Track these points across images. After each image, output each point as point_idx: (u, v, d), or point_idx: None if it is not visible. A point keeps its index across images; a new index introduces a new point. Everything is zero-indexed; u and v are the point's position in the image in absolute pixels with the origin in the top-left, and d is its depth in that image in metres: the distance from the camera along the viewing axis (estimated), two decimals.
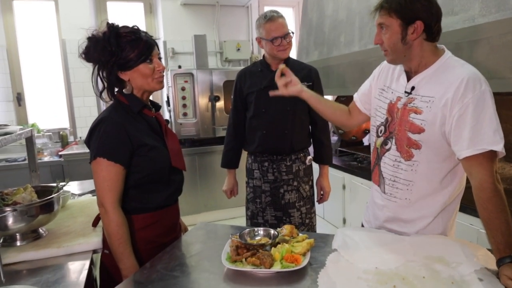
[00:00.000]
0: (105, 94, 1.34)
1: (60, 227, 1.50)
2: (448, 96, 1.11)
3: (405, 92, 1.23)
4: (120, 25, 1.29)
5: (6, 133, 1.46)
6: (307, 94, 1.44)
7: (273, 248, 1.13)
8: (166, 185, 1.37)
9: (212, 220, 3.96)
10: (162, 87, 1.37)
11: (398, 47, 1.17)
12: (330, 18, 3.04)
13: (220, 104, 4.03)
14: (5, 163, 3.39)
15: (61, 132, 3.95)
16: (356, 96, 1.50)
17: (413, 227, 1.28)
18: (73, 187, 2.34)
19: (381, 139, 1.31)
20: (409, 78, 1.25)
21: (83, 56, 1.28)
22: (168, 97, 4.00)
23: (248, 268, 1.05)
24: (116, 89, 1.34)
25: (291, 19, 5.01)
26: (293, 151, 2.04)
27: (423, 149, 1.19)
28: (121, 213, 1.25)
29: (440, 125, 1.14)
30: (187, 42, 4.34)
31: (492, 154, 1.07)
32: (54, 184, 1.53)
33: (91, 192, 2.14)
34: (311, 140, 2.17)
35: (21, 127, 1.66)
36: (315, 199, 2.20)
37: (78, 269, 1.20)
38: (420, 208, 1.25)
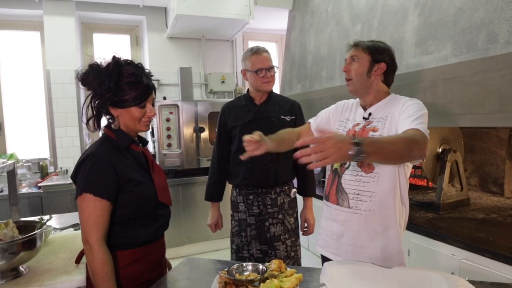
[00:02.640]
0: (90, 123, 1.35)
1: (42, 264, 1.46)
2: (395, 110, 1.37)
3: (363, 118, 1.47)
4: (126, 61, 1.31)
5: None
6: (270, 145, 1.52)
7: (261, 283, 1.13)
8: (152, 219, 1.36)
9: (196, 252, 3.87)
10: (148, 129, 1.39)
11: (363, 77, 1.44)
12: (312, 53, 3.17)
13: (204, 135, 4.06)
14: None
15: (41, 163, 3.86)
16: (312, 122, 1.71)
17: (377, 239, 1.39)
18: (53, 221, 2.27)
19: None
20: (365, 110, 1.49)
21: (80, 80, 1.28)
22: (152, 128, 4.00)
23: None
24: (105, 124, 1.36)
25: (274, 54, 5.18)
26: (277, 184, 2.06)
27: None
28: (106, 250, 1.23)
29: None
30: (173, 74, 4.41)
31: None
32: (36, 219, 1.50)
33: (73, 226, 2.09)
34: (295, 173, 2.21)
35: (3, 160, 1.63)
36: (300, 232, 2.21)
37: None
38: (383, 218, 1.38)
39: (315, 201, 2.24)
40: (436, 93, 1.87)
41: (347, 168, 1.45)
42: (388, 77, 1.48)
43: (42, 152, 4.17)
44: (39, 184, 3.49)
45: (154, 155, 1.47)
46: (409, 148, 1.17)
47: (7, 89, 4.07)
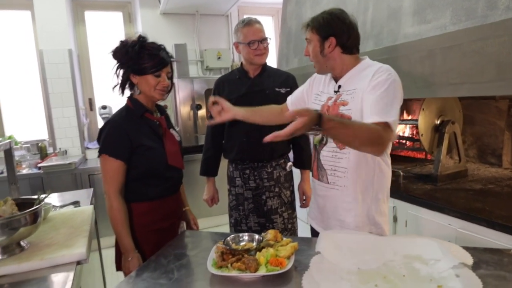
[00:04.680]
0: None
1: (42, 239, 1.48)
2: (364, 83, 1.32)
3: (334, 91, 1.45)
4: (150, 41, 1.52)
5: None
6: (241, 113, 1.59)
7: (257, 252, 1.14)
8: (163, 180, 1.58)
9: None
10: (162, 98, 1.57)
11: (319, 58, 1.42)
12: None
13: (202, 112, 4.03)
14: None
15: (39, 144, 3.86)
16: (289, 100, 1.70)
17: (353, 213, 1.41)
18: (53, 199, 2.30)
19: (319, 137, 1.49)
20: (336, 81, 1.46)
21: (112, 53, 1.52)
22: None
23: (234, 273, 1.07)
24: (128, 92, 1.58)
25: (271, 28, 5.08)
26: (273, 158, 2.06)
27: None
28: (120, 200, 1.48)
29: (361, 109, 1.31)
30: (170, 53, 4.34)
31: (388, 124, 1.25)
32: (35, 196, 1.51)
33: (73, 203, 2.11)
34: (291, 146, 2.20)
35: (0, 139, 1.63)
36: (297, 204, 2.23)
37: (62, 281, 1.18)
38: (356, 193, 1.40)
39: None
40: (434, 63, 1.84)
41: (325, 144, 1.45)
42: (346, 46, 1.39)
43: (40, 133, 4.17)
44: (39, 165, 3.50)
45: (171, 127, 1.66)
46: (370, 144, 1.22)
47: (1, 71, 4.02)
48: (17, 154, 3.63)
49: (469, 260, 1.07)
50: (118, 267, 1.59)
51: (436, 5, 1.84)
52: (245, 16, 2.05)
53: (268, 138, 1.13)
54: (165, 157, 1.55)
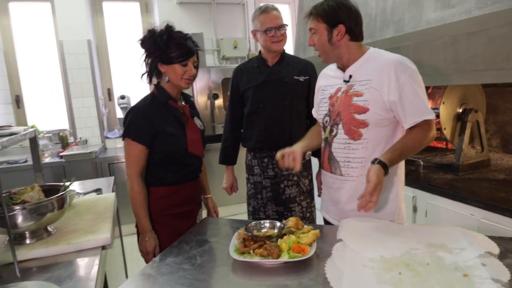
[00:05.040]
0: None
1: (68, 225, 1.52)
2: (382, 77, 1.31)
3: (344, 81, 1.42)
4: (177, 31, 1.54)
5: (11, 134, 1.47)
6: (305, 148, 1.50)
7: (279, 239, 1.15)
8: (181, 166, 1.62)
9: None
10: (188, 87, 1.61)
11: (327, 47, 1.38)
12: None
13: (219, 101, 4.04)
14: (7, 165, 3.39)
15: (61, 133, 3.95)
16: (314, 113, 1.67)
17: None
18: (75, 186, 2.36)
19: (328, 129, 1.47)
20: (343, 70, 1.44)
21: (140, 42, 1.55)
22: None
23: (256, 259, 1.08)
24: (155, 81, 1.62)
25: (287, 16, 5.01)
26: (291, 146, 2.06)
27: (370, 126, 1.35)
28: (141, 183, 1.55)
29: (381, 102, 1.32)
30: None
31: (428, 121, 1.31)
32: (60, 183, 1.55)
33: (96, 190, 2.16)
34: None
35: (25, 127, 1.67)
36: (315, 193, 2.23)
37: (89, 265, 1.22)
38: None
39: None
40: (457, 49, 1.79)
41: (335, 136, 1.43)
42: (354, 33, 1.38)
43: (61, 123, 4.26)
44: (61, 154, 3.59)
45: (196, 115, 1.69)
46: (421, 148, 1.34)
47: (23, 62, 4.11)
48: (39, 143, 3.73)
49: (495, 249, 1.05)
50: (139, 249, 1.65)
51: None
52: (261, 4, 2.02)
53: (360, 209, 1.19)
54: (186, 144, 1.59)
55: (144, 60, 1.58)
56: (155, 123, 1.53)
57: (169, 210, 1.62)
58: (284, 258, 1.07)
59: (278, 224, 1.24)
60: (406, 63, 1.32)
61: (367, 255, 1.07)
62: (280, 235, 1.18)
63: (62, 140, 3.93)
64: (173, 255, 1.20)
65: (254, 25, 1.99)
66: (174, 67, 1.52)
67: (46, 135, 3.91)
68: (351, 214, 1.43)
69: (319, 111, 1.57)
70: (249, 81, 2.04)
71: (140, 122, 1.53)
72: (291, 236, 1.15)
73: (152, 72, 1.58)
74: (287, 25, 1.98)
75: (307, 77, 2.02)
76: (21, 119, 4.12)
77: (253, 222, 1.26)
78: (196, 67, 1.60)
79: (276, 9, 1.97)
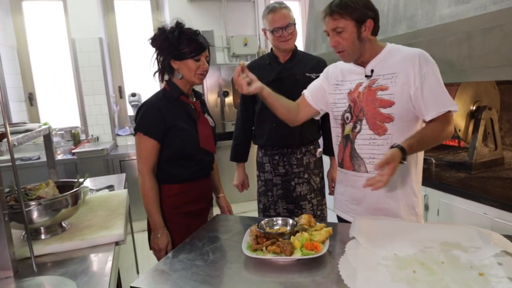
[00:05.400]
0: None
1: (82, 221, 1.54)
2: (407, 69, 1.31)
3: (366, 76, 1.40)
4: (187, 27, 1.54)
5: (26, 130, 1.49)
6: (267, 92, 1.48)
7: (292, 236, 1.15)
8: (194, 162, 1.61)
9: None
10: (201, 82, 1.60)
11: (356, 45, 1.34)
12: None
13: (229, 99, 4.05)
14: (20, 162, 3.44)
15: (73, 131, 4.00)
16: (307, 93, 1.62)
17: (397, 199, 1.40)
18: (87, 183, 2.38)
19: (350, 125, 1.44)
20: (363, 66, 1.42)
21: (150, 41, 1.55)
22: None
23: (269, 256, 1.08)
24: (167, 77, 1.61)
25: (297, 13, 4.99)
26: (303, 144, 2.05)
27: (395, 121, 1.33)
28: (152, 179, 1.54)
29: (407, 95, 1.31)
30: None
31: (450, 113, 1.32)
32: (74, 179, 1.57)
33: (108, 187, 2.18)
34: (321, 132, 2.18)
35: (39, 124, 1.70)
36: (326, 191, 2.22)
37: (103, 260, 1.23)
38: (401, 177, 1.39)
39: None
40: (472, 46, 1.76)
41: (359, 132, 1.40)
42: (376, 28, 1.37)
43: (73, 120, 4.31)
44: (73, 151, 3.64)
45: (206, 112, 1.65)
46: (442, 140, 1.34)
47: (36, 60, 4.16)
48: (52, 140, 3.78)
49: (511, 248, 1.03)
50: (151, 246, 1.64)
51: None
52: (271, 1, 2.01)
53: (366, 186, 1.18)
54: (198, 140, 1.59)
55: (156, 58, 1.57)
56: (167, 118, 1.53)
57: (181, 208, 1.61)
58: (297, 255, 1.06)
59: (291, 221, 1.24)
60: (428, 56, 1.33)
61: (381, 253, 1.06)
62: (293, 233, 1.18)
63: (74, 137, 3.98)
64: (186, 252, 1.21)
65: (264, 24, 1.99)
66: (187, 63, 1.52)
67: (58, 132, 3.96)
68: (378, 213, 1.42)
69: (333, 108, 1.53)
70: (261, 78, 2.01)
71: (153, 116, 1.53)
72: (303, 233, 1.15)
73: (165, 69, 1.58)
74: (295, 24, 1.96)
75: (319, 74, 2.01)
76: (34, 117, 4.18)
77: (266, 219, 1.27)
78: (208, 62, 1.60)
79: (285, 7, 1.95)
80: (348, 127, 1.45)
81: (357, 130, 1.41)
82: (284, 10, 1.93)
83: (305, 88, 1.91)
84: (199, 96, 1.74)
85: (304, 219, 1.23)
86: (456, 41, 1.84)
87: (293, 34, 1.96)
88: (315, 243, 1.08)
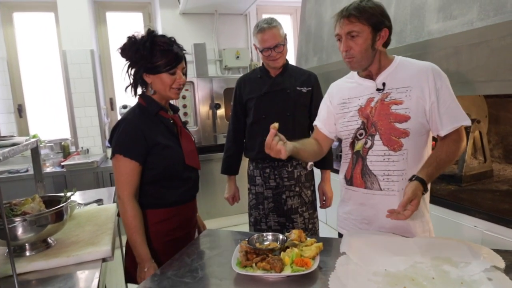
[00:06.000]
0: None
1: (69, 236, 1.51)
2: (421, 83, 1.27)
3: (377, 89, 1.34)
4: (159, 34, 1.40)
5: (13, 144, 1.46)
6: (296, 147, 1.35)
7: (282, 252, 1.14)
8: (181, 181, 1.48)
9: (215, 227, 3.89)
10: (177, 97, 1.48)
11: (368, 53, 1.29)
12: (328, 24, 3.08)
13: (221, 111, 4.05)
14: (8, 175, 3.39)
15: (62, 143, 3.96)
16: (320, 125, 1.55)
17: (415, 216, 1.33)
18: (76, 197, 2.34)
19: (362, 141, 1.37)
20: (371, 79, 1.37)
21: (120, 51, 1.40)
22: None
23: (258, 273, 1.06)
24: (140, 90, 1.48)
25: (289, 27, 5.06)
26: (294, 157, 2.05)
27: (411, 135, 1.29)
28: (135, 205, 1.37)
29: (422, 110, 1.28)
30: (187, 50, 4.38)
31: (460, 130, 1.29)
32: (61, 194, 1.54)
33: (97, 201, 2.15)
34: None
35: (27, 137, 1.67)
36: (317, 205, 2.21)
37: (89, 278, 1.20)
38: None
39: (332, 175, 2.22)
40: (460, 60, 1.79)
41: (370, 148, 1.33)
42: (388, 39, 1.33)
43: (63, 132, 4.27)
44: (62, 164, 3.59)
45: (187, 124, 1.52)
46: (454, 160, 1.31)
47: (26, 71, 4.14)
48: (41, 152, 3.73)
49: (501, 263, 1.03)
50: (129, 279, 1.49)
51: (462, 0, 1.79)
52: (263, 16, 2.03)
53: (391, 217, 1.16)
54: (183, 156, 1.46)
55: (127, 71, 1.43)
56: (149, 136, 1.38)
57: (167, 235, 1.46)
58: (287, 271, 1.05)
59: (281, 236, 1.23)
60: (440, 69, 1.31)
61: (371, 269, 1.05)
62: (283, 248, 1.16)
63: (63, 149, 3.93)
64: (174, 268, 1.18)
65: (254, 40, 2.00)
66: (162, 77, 1.39)
67: (47, 144, 3.91)
68: (392, 232, 1.33)
69: (344, 128, 1.44)
70: (252, 92, 2.05)
71: (132, 135, 1.36)
72: (294, 249, 1.13)
73: (137, 83, 1.45)
74: (284, 44, 1.94)
75: (310, 88, 2.03)
76: (23, 128, 4.13)
77: (256, 235, 1.25)
78: (185, 74, 1.46)
79: (274, 26, 1.91)
80: (360, 143, 1.37)
81: (368, 146, 1.34)
82: (274, 30, 1.90)
83: (296, 101, 1.91)
84: (176, 110, 1.59)
85: (294, 234, 1.22)
86: (444, 56, 1.87)
87: (283, 53, 1.96)
88: (306, 259, 1.07)
